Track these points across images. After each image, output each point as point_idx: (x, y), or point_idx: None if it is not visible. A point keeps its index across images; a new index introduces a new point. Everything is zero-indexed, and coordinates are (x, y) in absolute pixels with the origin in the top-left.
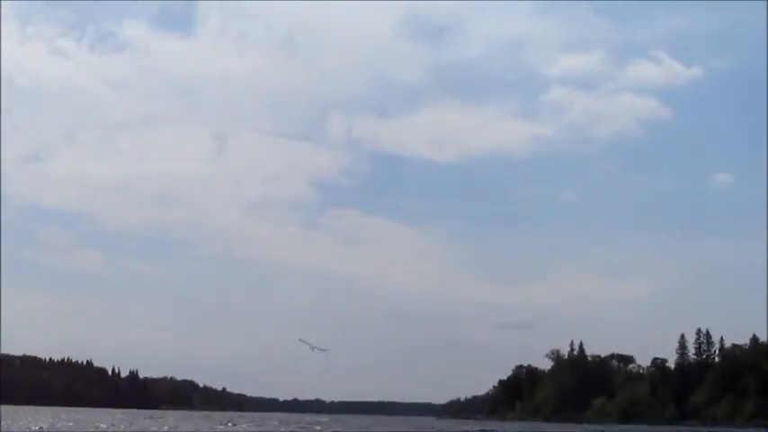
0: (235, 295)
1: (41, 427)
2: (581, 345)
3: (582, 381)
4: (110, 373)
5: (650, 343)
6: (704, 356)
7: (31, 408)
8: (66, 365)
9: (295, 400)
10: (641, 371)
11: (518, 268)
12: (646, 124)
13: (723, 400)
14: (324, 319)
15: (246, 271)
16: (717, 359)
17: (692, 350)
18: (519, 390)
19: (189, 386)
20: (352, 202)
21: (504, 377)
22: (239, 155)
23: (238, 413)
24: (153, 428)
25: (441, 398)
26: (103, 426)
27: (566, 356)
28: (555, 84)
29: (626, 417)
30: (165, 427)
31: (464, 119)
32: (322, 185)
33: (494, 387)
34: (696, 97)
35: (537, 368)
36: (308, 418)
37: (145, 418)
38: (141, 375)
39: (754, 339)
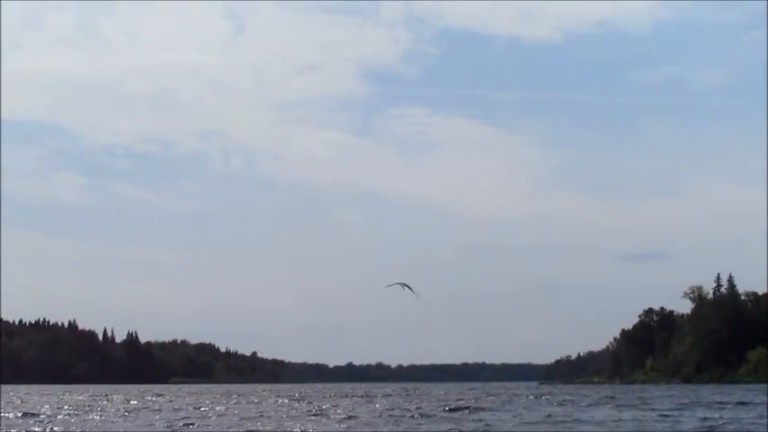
0: (265, 228)
1: None
2: (731, 279)
3: (734, 327)
4: (100, 337)
5: None
6: None
7: None
8: (41, 328)
9: (350, 365)
10: None
11: (644, 180)
12: None
13: None
14: (383, 256)
15: (278, 195)
16: None
17: None
18: (649, 342)
19: (208, 352)
20: (416, 97)
21: (629, 326)
22: (262, 39)
23: (274, 385)
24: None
25: (544, 357)
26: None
27: (711, 295)
28: None
29: None
30: (159, 405)
31: None
32: (376, 77)
33: (615, 340)
34: None
35: (673, 312)
36: (364, 388)
37: (148, 397)
38: (143, 339)
39: None
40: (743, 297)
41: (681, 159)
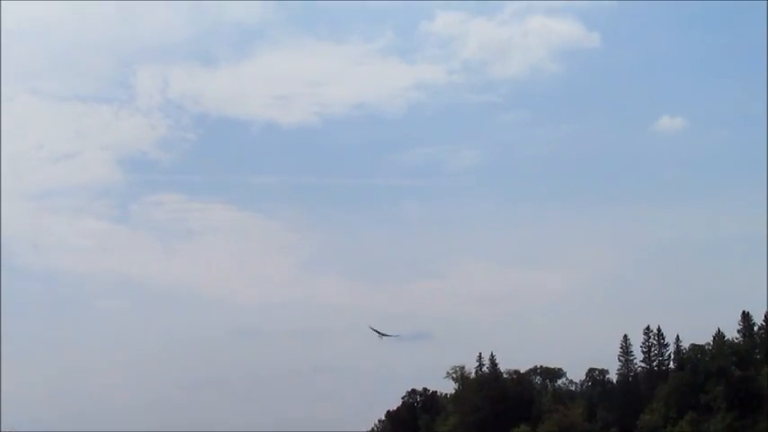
0: (22, 318)
1: None
2: (492, 357)
3: (496, 405)
4: None
5: (583, 350)
6: (656, 363)
7: None
8: None
9: None
10: (574, 387)
11: (404, 262)
12: (565, 58)
13: (683, 418)
14: (146, 343)
15: (36, 284)
16: (672, 365)
17: (639, 356)
18: (414, 423)
19: None
20: (174, 183)
21: (393, 407)
22: (15, 127)
23: None
24: None
25: None
26: None
27: (473, 374)
28: (440, 9)
29: None
30: None
31: (317, 63)
32: (132, 164)
33: (379, 421)
34: (632, 19)
35: (436, 392)
36: None
37: None
38: None
39: (719, 336)
40: (505, 375)
41: (439, 241)
